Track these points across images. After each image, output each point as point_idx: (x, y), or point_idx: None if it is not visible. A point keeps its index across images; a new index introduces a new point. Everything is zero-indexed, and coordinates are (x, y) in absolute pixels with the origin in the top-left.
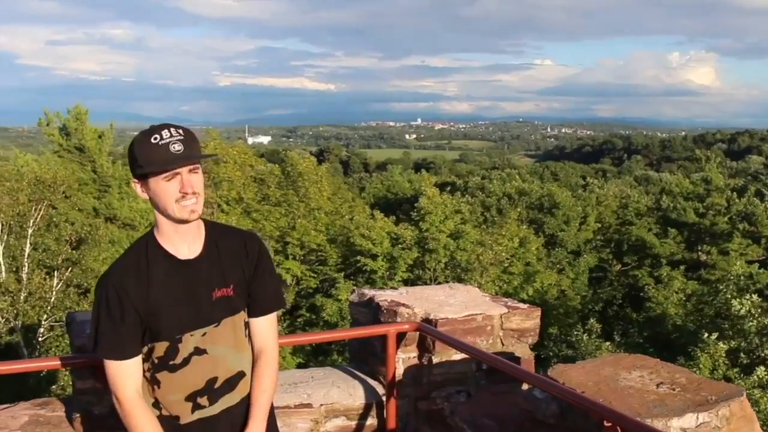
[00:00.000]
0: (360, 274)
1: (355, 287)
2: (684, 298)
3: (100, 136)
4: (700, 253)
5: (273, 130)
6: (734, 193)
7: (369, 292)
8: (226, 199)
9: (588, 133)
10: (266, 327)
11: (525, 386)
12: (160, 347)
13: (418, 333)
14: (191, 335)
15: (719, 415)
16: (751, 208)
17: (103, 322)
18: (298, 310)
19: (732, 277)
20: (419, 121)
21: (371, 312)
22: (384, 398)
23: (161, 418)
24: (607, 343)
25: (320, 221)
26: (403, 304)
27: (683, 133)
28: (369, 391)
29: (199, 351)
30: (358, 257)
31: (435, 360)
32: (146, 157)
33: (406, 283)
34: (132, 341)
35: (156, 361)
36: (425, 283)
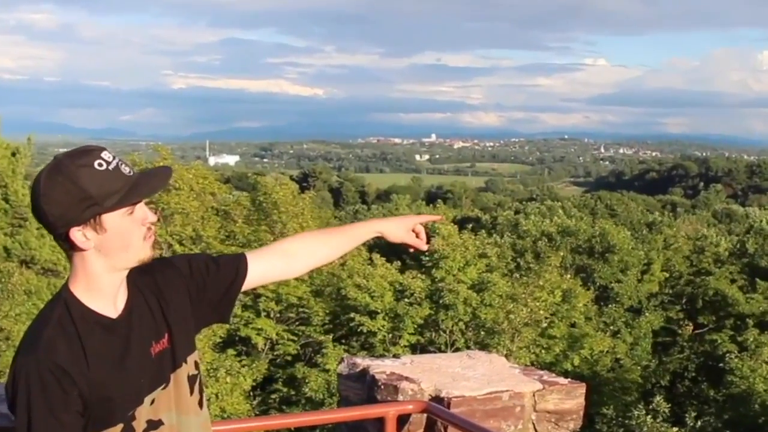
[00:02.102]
0: (354, 336)
1: (345, 355)
2: None
3: (13, 154)
4: None
5: (242, 147)
6: None
7: (362, 361)
8: (179, 237)
9: (653, 154)
10: (258, 260)
11: None
12: (115, 431)
13: (425, 415)
14: (142, 407)
15: None
16: None
17: (40, 419)
18: (273, 383)
19: None
20: (434, 137)
21: (365, 387)
22: None
23: None
24: (676, 429)
25: None
26: (407, 378)
27: None
28: None
29: (152, 424)
30: (352, 315)
31: None
32: (103, 188)
33: (414, 349)
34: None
35: None
36: (438, 350)
